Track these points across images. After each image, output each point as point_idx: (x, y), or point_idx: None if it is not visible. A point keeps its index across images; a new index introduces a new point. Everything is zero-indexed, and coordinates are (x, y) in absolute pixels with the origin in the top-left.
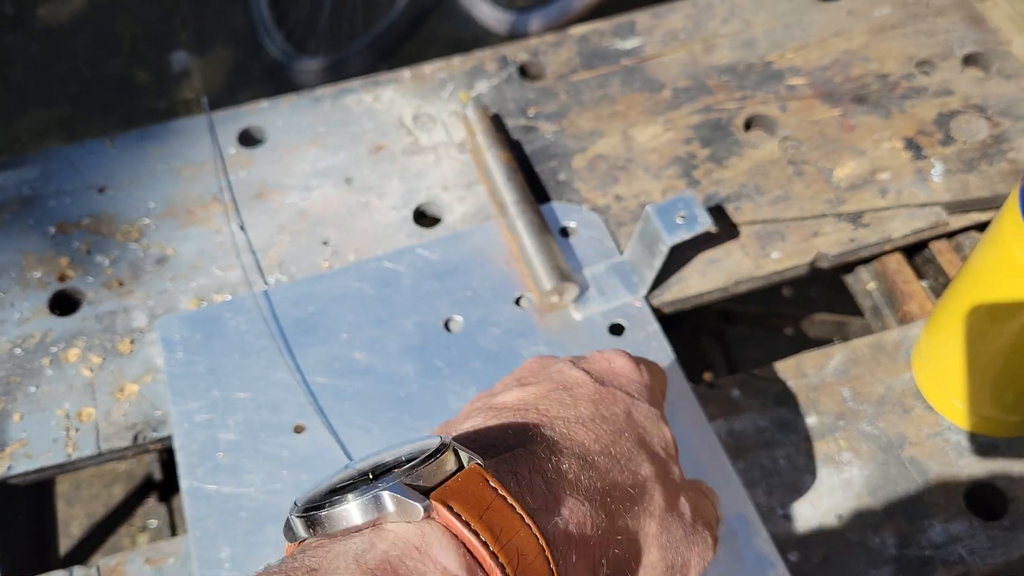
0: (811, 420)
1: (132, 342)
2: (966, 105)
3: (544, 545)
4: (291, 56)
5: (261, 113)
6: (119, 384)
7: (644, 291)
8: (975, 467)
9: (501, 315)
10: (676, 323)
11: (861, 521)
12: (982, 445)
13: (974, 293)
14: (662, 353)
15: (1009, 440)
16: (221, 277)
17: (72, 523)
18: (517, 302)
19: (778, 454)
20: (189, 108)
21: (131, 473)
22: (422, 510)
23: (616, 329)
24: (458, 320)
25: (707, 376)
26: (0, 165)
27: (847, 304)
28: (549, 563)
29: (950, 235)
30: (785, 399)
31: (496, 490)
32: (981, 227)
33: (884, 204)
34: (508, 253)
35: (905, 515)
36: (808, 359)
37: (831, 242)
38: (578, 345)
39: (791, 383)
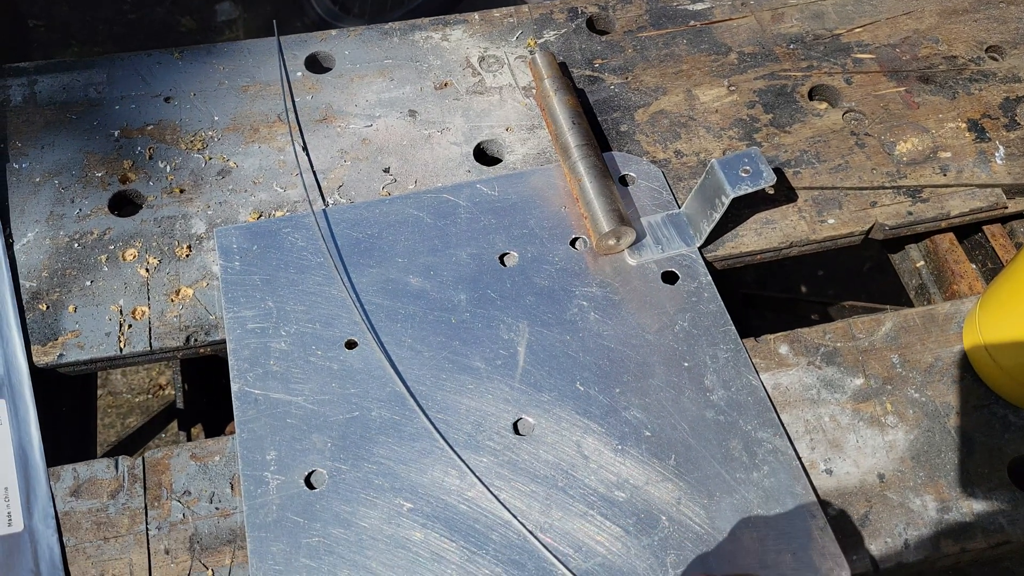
0: (858, 382)
1: (190, 248)
2: None
3: None
4: (336, 16)
5: (330, 41)
6: (174, 286)
7: (699, 243)
8: (1020, 442)
9: (556, 254)
10: None
11: (902, 483)
12: None
13: None
14: (713, 303)
15: None
16: (281, 194)
17: None
18: (572, 243)
19: (823, 411)
20: None
21: (146, 406)
22: None
23: (669, 277)
24: (513, 255)
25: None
26: (67, 66)
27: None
28: None
29: (1004, 220)
30: (833, 359)
31: None
32: None
33: (944, 181)
34: (567, 196)
35: (947, 481)
36: (859, 323)
37: (889, 213)
38: (631, 290)
39: (840, 344)
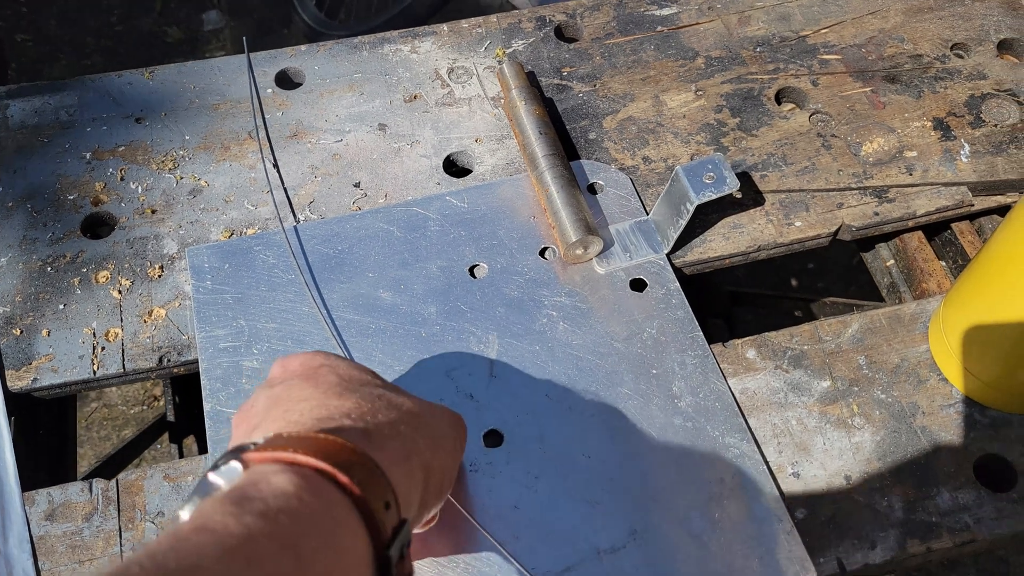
0: (825, 384)
1: (162, 268)
2: (998, 89)
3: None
4: (322, 23)
5: (299, 56)
6: (147, 307)
7: (667, 249)
8: (986, 440)
9: (525, 265)
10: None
11: (869, 484)
12: (995, 419)
13: (997, 270)
14: (681, 309)
15: (1022, 416)
16: (252, 212)
17: (81, 463)
18: (542, 253)
19: (790, 415)
20: None
21: (141, 417)
22: (240, 465)
23: (637, 284)
24: (483, 267)
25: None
26: (38, 89)
27: (856, 296)
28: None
29: (972, 217)
30: (800, 362)
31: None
32: (1004, 210)
33: (910, 181)
34: (535, 206)
35: (914, 481)
36: (825, 325)
37: (855, 215)
38: (599, 298)
39: (807, 347)
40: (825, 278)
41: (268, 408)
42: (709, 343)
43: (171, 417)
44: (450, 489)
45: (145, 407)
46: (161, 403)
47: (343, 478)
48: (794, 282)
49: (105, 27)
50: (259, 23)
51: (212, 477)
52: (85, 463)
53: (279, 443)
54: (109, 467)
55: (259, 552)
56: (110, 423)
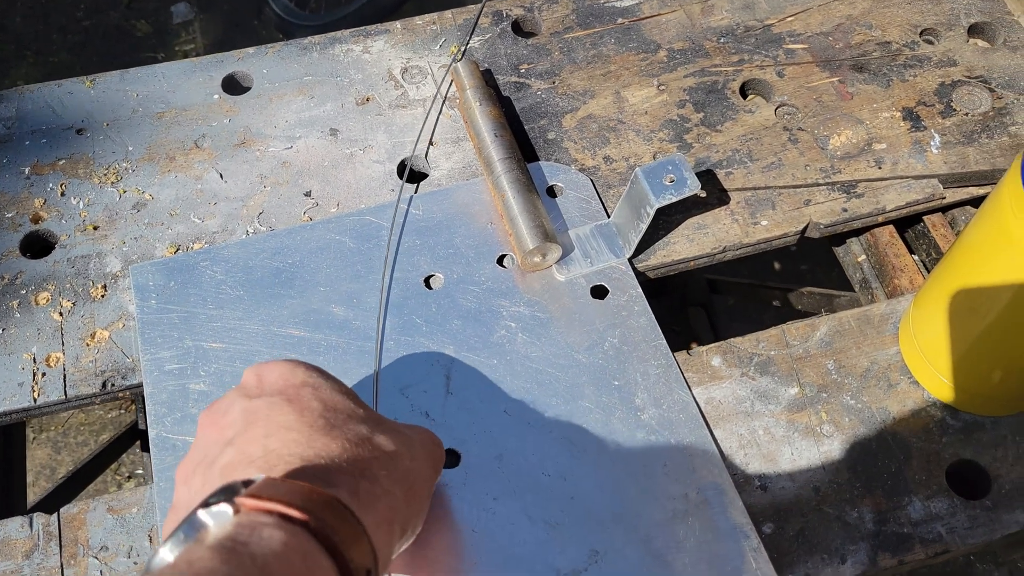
0: (793, 391)
1: (105, 288)
2: (969, 76)
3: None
4: (293, 13)
5: (247, 60)
6: (90, 330)
7: (628, 254)
8: (959, 445)
9: (483, 274)
10: (663, 293)
11: (839, 495)
12: (967, 423)
13: (967, 267)
14: (644, 317)
15: (995, 419)
16: (199, 225)
17: (59, 469)
18: (500, 261)
19: (757, 424)
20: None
21: (119, 421)
22: (231, 508)
23: (598, 291)
24: (439, 277)
25: (693, 346)
26: None
27: (837, 280)
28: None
29: (945, 209)
30: (767, 369)
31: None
32: (977, 202)
33: (879, 175)
34: (492, 211)
35: (885, 491)
36: (793, 329)
37: (823, 211)
38: (559, 307)
39: (774, 353)
40: (807, 259)
41: (246, 424)
42: (675, 347)
43: (142, 425)
44: (419, 529)
45: (123, 411)
46: None
47: (333, 541)
48: (776, 265)
49: (72, 23)
50: (229, 15)
51: (202, 515)
52: (63, 470)
53: (274, 491)
54: (81, 481)
55: None
56: (87, 428)
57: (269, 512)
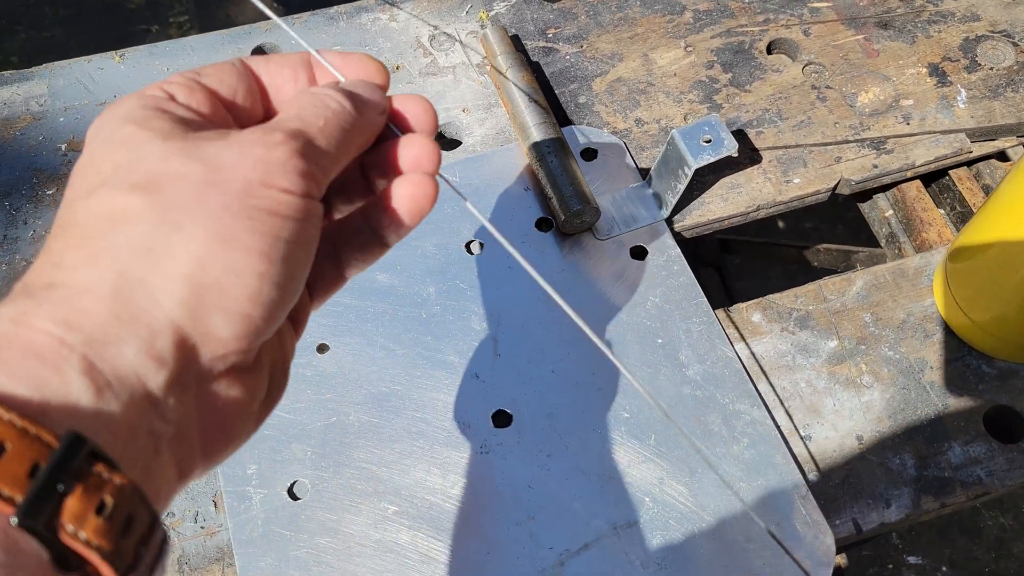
0: (832, 344)
1: None
2: (993, 31)
3: None
4: None
5: (275, 31)
6: None
7: (665, 215)
8: (995, 391)
9: (522, 238)
10: None
11: (881, 443)
12: (1002, 370)
13: (1005, 218)
14: (684, 276)
15: None
16: None
17: None
18: (538, 225)
19: (799, 377)
20: (183, 32)
21: None
22: None
23: (638, 252)
24: (479, 242)
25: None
26: (5, 80)
27: (842, 235)
28: None
29: (970, 163)
30: (806, 323)
31: None
32: (1002, 156)
33: (907, 130)
34: (529, 176)
35: (925, 437)
36: (830, 284)
37: (854, 168)
38: (600, 268)
39: (812, 308)
40: (812, 218)
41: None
42: (712, 305)
43: None
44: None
45: None
46: None
47: None
48: (781, 224)
49: None
50: None
51: None
52: None
53: None
54: None
55: None
56: None
57: None
